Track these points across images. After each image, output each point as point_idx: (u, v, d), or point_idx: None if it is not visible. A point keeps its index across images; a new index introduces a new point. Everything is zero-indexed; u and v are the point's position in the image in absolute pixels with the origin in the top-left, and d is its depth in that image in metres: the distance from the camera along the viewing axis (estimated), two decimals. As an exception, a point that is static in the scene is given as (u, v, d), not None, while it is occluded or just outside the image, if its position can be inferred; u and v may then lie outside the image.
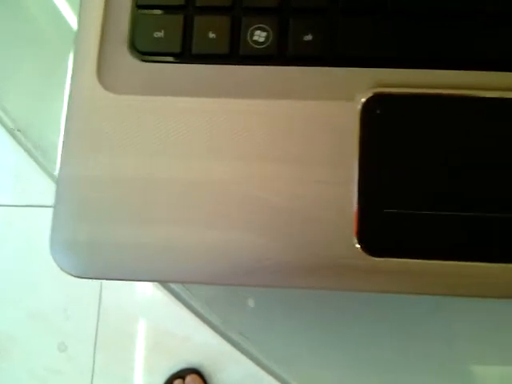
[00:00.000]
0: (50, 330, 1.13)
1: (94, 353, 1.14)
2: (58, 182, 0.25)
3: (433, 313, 0.29)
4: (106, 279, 0.25)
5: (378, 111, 0.25)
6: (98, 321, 1.14)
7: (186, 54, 0.26)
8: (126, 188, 0.25)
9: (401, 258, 0.24)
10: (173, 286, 0.30)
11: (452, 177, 0.24)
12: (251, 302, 0.30)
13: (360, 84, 0.25)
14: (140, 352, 1.12)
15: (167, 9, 0.26)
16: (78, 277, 0.25)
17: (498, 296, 0.24)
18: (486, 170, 0.24)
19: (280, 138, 0.25)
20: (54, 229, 0.25)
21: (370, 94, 0.25)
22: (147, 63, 0.26)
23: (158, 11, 0.26)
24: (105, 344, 1.14)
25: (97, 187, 0.25)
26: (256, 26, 0.26)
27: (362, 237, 0.24)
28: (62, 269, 0.25)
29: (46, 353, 1.14)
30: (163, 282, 0.29)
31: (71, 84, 0.26)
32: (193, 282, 0.28)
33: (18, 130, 0.32)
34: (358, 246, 0.24)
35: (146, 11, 0.26)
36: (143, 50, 0.26)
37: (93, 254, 0.25)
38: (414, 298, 0.29)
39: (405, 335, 0.29)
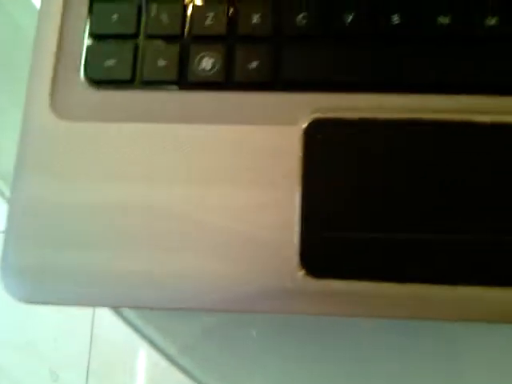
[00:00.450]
0: (41, 359, 1.12)
1: (87, 382, 1.12)
2: (8, 207, 0.26)
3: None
4: (54, 304, 0.25)
5: (320, 136, 0.25)
6: (90, 349, 1.13)
7: (136, 82, 0.27)
8: (73, 213, 0.25)
9: (343, 279, 0.24)
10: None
11: (390, 200, 0.24)
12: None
13: (303, 109, 0.26)
14: (133, 382, 1.11)
15: (118, 38, 0.27)
16: (25, 302, 0.25)
17: (437, 318, 0.24)
18: (422, 192, 0.24)
19: (225, 162, 0.25)
20: (3, 253, 0.25)
21: (311, 119, 0.25)
22: (99, 91, 0.27)
23: (110, 40, 0.27)
24: (97, 373, 1.13)
25: (45, 213, 0.25)
26: (204, 53, 0.26)
27: (304, 259, 0.24)
28: (9, 293, 0.25)
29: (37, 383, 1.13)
30: (111, 307, 0.29)
31: (25, 110, 0.27)
32: (135, 307, 0.28)
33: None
34: (300, 268, 0.24)
35: (98, 40, 0.27)
36: (95, 78, 0.27)
37: (40, 279, 0.25)
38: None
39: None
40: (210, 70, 0.26)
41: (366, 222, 0.24)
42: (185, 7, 0.27)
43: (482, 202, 0.24)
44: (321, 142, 0.25)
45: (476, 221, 0.24)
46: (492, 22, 0.25)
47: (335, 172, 0.25)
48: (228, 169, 0.25)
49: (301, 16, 0.26)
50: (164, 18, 0.27)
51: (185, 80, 0.26)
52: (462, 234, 0.24)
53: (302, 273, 0.24)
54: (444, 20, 0.25)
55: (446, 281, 0.23)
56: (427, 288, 0.23)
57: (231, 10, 0.27)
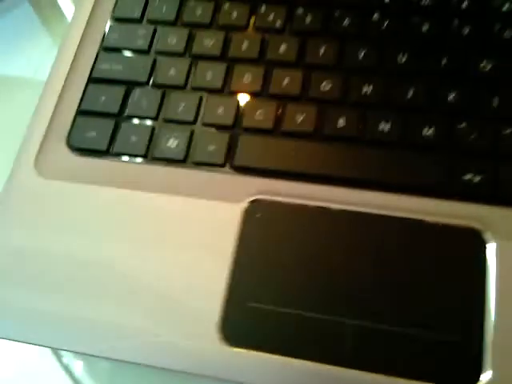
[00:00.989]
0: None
1: None
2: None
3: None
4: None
5: (257, 215, 0.28)
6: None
7: (110, 152, 0.31)
8: (28, 257, 0.28)
9: (257, 351, 0.25)
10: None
11: (312, 281, 0.26)
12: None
13: (248, 190, 0.28)
14: None
15: (102, 116, 0.31)
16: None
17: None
18: (339, 277, 0.26)
19: (172, 229, 0.28)
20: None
21: (252, 200, 0.28)
22: (78, 157, 0.31)
23: (95, 116, 0.32)
24: None
25: (7, 254, 0.29)
26: (170, 134, 0.30)
27: (223, 325, 0.26)
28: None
29: None
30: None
31: (13, 164, 0.31)
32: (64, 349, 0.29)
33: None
34: (219, 334, 0.25)
35: (84, 115, 0.32)
36: (76, 146, 0.31)
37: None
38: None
39: None
40: (175, 148, 0.30)
41: (286, 299, 0.26)
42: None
43: (389, 291, 0.25)
44: (257, 220, 0.28)
45: (386, 311, 0.25)
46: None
47: (265, 250, 0.27)
48: (173, 235, 0.28)
49: (258, 113, 0.30)
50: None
51: (151, 155, 0.30)
52: (373, 322, 0.25)
53: (219, 339, 0.25)
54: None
55: (352, 365, 0.24)
56: (333, 369, 0.24)
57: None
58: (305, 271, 0.26)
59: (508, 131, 0.28)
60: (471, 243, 0.26)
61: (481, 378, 0.24)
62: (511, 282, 0.25)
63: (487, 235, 0.26)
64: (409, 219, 0.27)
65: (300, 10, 0.32)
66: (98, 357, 0.26)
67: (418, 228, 0.26)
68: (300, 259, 0.27)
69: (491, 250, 0.26)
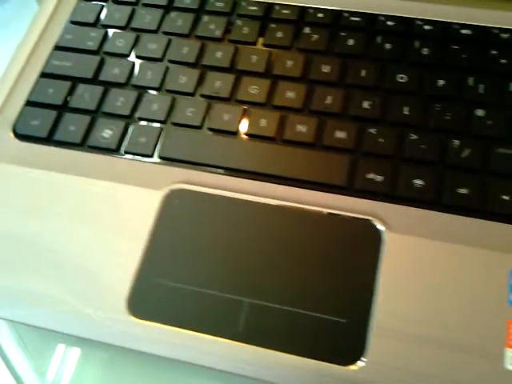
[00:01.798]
0: None
1: None
2: None
3: None
4: None
5: (177, 201, 0.30)
6: None
7: (49, 139, 0.33)
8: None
9: (162, 323, 0.27)
10: None
11: (217, 263, 0.28)
12: None
13: (172, 179, 0.31)
14: None
15: (47, 107, 0.34)
16: None
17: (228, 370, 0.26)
18: (245, 260, 0.28)
19: (99, 210, 0.30)
20: None
21: (173, 187, 0.30)
22: (21, 142, 0.33)
23: (41, 107, 0.34)
24: None
25: None
26: (106, 126, 0.33)
27: (132, 299, 0.28)
28: None
29: None
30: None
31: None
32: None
33: None
34: (127, 307, 0.27)
35: (32, 106, 0.34)
36: (21, 133, 0.33)
37: None
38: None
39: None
40: (108, 139, 0.32)
41: (191, 278, 0.28)
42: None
43: (287, 275, 0.27)
44: (175, 206, 0.30)
45: (282, 292, 0.27)
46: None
47: (178, 233, 0.29)
48: (98, 215, 0.30)
49: (188, 110, 0.33)
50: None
51: (85, 143, 0.33)
52: (268, 301, 0.27)
53: (127, 311, 0.27)
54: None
55: (246, 340, 0.26)
56: (228, 343, 0.26)
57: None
58: (211, 254, 0.28)
59: (413, 137, 0.30)
60: (367, 235, 0.28)
61: (362, 357, 0.25)
62: (397, 271, 0.27)
63: (381, 228, 0.28)
64: (312, 211, 0.29)
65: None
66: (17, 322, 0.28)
67: (320, 220, 0.29)
68: (208, 243, 0.29)
69: (384, 241, 0.28)
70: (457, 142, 0.30)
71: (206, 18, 0.36)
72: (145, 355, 0.27)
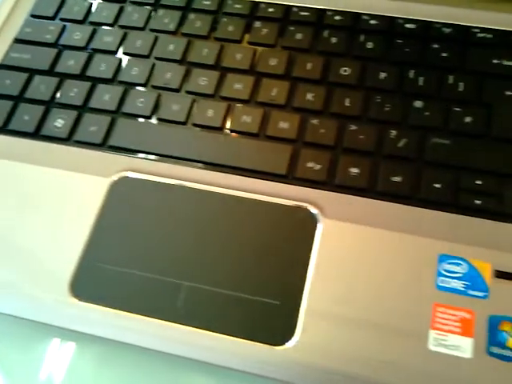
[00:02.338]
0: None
1: None
2: None
3: None
4: None
5: (123, 188, 0.31)
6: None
7: (3, 129, 0.34)
8: None
9: (103, 306, 0.28)
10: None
11: (159, 248, 0.29)
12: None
13: (120, 167, 0.32)
14: None
15: (3, 97, 0.35)
16: None
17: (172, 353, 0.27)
18: (186, 245, 0.29)
19: (47, 195, 0.31)
20: None
21: (120, 175, 0.31)
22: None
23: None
24: None
25: None
26: (58, 116, 0.34)
27: (74, 282, 0.28)
28: None
29: None
30: None
31: None
32: None
33: None
34: (68, 288, 0.28)
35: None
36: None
37: None
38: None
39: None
40: (60, 128, 0.33)
41: (133, 262, 0.29)
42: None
43: (226, 260, 0.28)
44: (121, 193, 0.31)
45: (221, 276, 0.28)
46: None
47: (123, 219, 0.30)
48: (46, 201, 0.31)
49: (138, 101, 0.34)
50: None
51: (39, 132, 0.33)
52: (206, 285, 0.28)
53: (69, 294, 0.28)
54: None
55: (183, 321, 0.27)
56: (166, 324, 0.27)
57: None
58: (153, 239, 0.29)
59: (352, 128, 0.31)
60: (303, 221, 0.29)
61: (292, 338, 0.26)
62: (330, 255, 0.28)
63: (317, 214, 0.29)
64: (251, 198, 0.30)
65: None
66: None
67: (258, 206, 0.30)
68: (150, 229, 0.30)
69: (319, 226, 0.29)
70: (394, 132, 0.31)
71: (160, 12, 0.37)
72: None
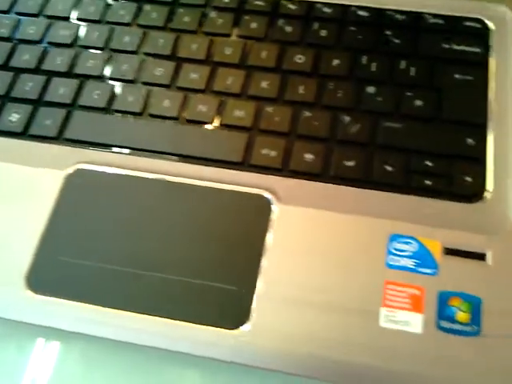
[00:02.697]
0: None
1: None
2: None
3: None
4: None
5: (79, 180, 0.31)
6: None
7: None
8: None
9: (61, 298, 0.28)
10: None
11: (116, 240, 0.29)
12: None
13: (75, 159, 0.32)
14: None
15: None
16: None
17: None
18: (143, 235, 0.29)
19: (7, 188, 0.31)
20: None
21: (76, 167, 0.31)
22: None
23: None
24: None
25: None
26: (13, 110, 0.33)
27: (31, 275, 0.28)
28: None
29: None
30: None
31: None
32: None
33: None
34: (25, 281, 0.28)
35: None
36: None
37: None
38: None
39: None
40: (15, 122, 0.33)
41: (91, 254, 0.29)
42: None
43: (183, 248, 0.29)
44: (77, 185, 0.31)
45: (178, 264, 0.28)
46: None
47: (79, 211, 0.30)
48: (2, 195, 0.31)
49: (94, 93, 0.34)
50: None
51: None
52: (164, 274, 0.28)
53: (26, 287, 0.28)
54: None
55: (143, 310, 0.27)
56: (125, 314, 0.27)
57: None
58: (109, 230, 0.29)
59: (306, 115, 0.32)
60: (258, 207, 0.29)
61: (247, 322, 0.27)
62: (284, 239, 0.28)
63: (272, 200, 0.29)
64: (208, 186, 0.30)
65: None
66: None
67: (215, 194, 0.30)
68: (106, 220, 0.30)
69: (273, 212, 0.29)
70: (347, 118, 0.31)
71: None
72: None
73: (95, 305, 0.28)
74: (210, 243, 0.29)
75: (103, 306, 0.28)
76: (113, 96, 0.34)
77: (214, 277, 0.28)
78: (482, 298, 0.26)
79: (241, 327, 0.27)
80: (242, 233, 0.29)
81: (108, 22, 0.37)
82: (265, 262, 0.28)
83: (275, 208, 0.29)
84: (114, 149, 0.32)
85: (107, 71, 0.34)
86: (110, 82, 0.34)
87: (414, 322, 0.26)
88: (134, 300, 0.28)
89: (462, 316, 0.26)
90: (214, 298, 0.27)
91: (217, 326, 0.27)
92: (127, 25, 0.36)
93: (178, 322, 0.27)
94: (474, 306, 0.26)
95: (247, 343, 0.26)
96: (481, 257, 0.27)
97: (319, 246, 0.28)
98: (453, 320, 0.26)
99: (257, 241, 0.29)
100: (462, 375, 0.25)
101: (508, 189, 0.29)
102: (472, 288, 0.27)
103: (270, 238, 0.28)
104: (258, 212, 0.29)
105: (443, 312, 0.26)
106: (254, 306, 0.27)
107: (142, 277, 0.28)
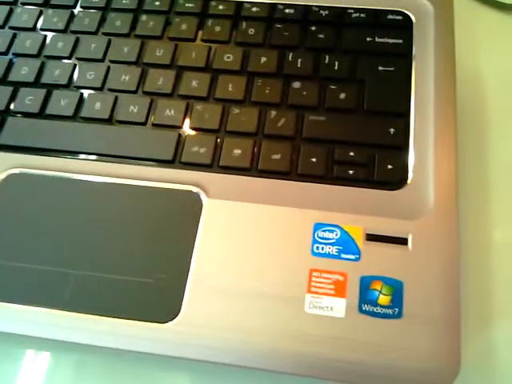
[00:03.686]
0: None
1: None
2: None
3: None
4: None
5: (14, 185, 0.31)
6: None
7: None
8: None
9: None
10: None
11: (47, 240, 0.29)
12: None
13: (10, 164, 0.32)
14: None
15: None
16: None
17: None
18: (73, 235, 0.30)
19: None
20: None
21: (9, 172, 0.32)
22: None
23: None
24: None
25: None
26: None
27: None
28: None
29: None
30: None
31: None
32: None
33: None
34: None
35: None
36: None
37: None
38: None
39: None
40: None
41: (21, 255, 0.29)
42: None
43: (113, 245, 0.29)
44: (12, 190, 0.31)
45: (108, 262, 0.29)
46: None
47: (15, 214, 0.30)
48: None
49: (27, 99, 0.34)
50: None
51: None
52: (94, 271, 0.29)
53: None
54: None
55: (72, 308, 0.28)
56: (54, 312, 0.28)
57: None
58: (40, 232, 0.30)
59: (235, 112, 0.32)
60: (188, 202, 0.30)
61: (178, 315, 0.27)
62: (214, 232, 0.29)
63: (201, 195, 0.30)
64: (138, 185, 0.31)
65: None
66: None
67: (146, 192, 0.31)
68: (38, 223, 0.30)
69: (203, 206, 0.30)
70: (274, 113, 0.32)
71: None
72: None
73: (26, 305, 0.28)
74: (142, 240, 0.29)
75: (35, 306, 0.28)
76: (46, 101, 0.34)
77: (146, 273, 0.28)
78: (403, 281, 0.27)
79: (173, 320, 0.27)
80: (173, 228, 0.30)
81: (42, 29, 0.37)
82: (195, 256, 0.29)
83: (204, 202, 0.30)
84: (48, 153, 0.32)
85: (40, 77, 0.35)
86: (43, 87, 0.35)
87: (337, 307, 0.27)
88: (66, 299, 0.28)
89: (383, 299, 0.27)
90: (147, 294, 0.28)
91: (149, 321, 0.27)
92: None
93: (110, 318, 0.28)
94: (396, 289, 0.27)
95: (178, 335, 0.27)
96: (403, 241, 0.28)
97: (247, 237, 0.29)
98: (375, 303, 0.27)
99: (187, 235, 0.29)
100: (384, 356, 0.26)
101: (428, 175, 0.30)
102: (393, 272, 0.28)
103: (200, 232, 0.29)
104: (188, 207, 0.30)
105: (365, 296, 0.27)
106: (185, 298, 0.28)
107: (74, 276, 0.29)
